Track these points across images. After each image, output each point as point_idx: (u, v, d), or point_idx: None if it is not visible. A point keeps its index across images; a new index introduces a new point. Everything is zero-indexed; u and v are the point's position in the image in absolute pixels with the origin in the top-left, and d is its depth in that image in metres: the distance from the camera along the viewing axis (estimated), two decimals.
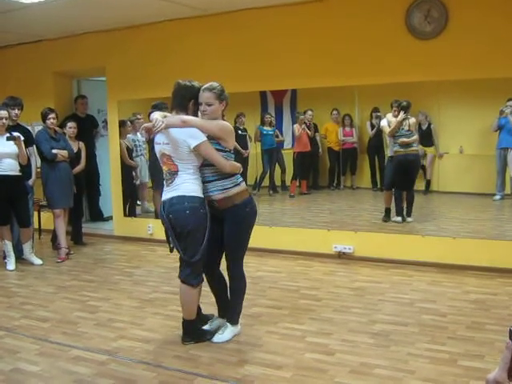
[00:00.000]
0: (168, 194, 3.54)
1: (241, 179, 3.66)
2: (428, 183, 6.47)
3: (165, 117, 3.51)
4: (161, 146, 3.54)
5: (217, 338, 3.72)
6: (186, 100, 3.55)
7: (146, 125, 3.56)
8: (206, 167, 3.55)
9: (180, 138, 3.43)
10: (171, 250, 3.69)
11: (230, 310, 3.83)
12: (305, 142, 7.02)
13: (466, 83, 5.43)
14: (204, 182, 3.57)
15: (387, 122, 6.10)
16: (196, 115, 3.57)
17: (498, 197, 5.97)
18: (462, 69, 5.13)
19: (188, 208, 3.44)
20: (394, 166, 6.11)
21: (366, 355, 3.42)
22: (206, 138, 3.44)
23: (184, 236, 3.51)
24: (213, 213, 3.60)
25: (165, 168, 3.56)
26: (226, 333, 3.74)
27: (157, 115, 3.47)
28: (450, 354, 3.39)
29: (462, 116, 6.07)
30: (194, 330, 3.72)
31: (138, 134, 7.39)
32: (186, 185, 3.47)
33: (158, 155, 3.62)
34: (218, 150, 3.50)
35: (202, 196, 3.52)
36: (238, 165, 3.64)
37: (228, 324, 3.79)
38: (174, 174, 3.50)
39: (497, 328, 3.76)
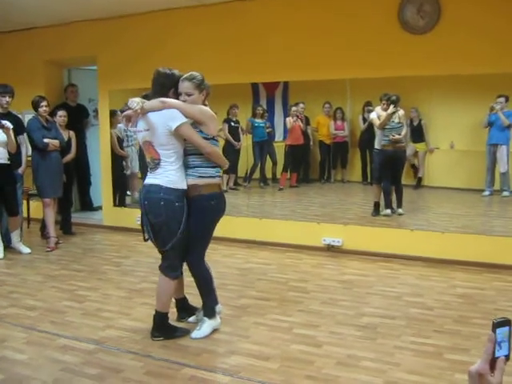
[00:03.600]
0: (149, 179, 3.49)
1: (218, 173, 3.59)
2: (419, 180, 6.51)
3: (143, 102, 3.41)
4: (142, 133, 3.47)
5: (195, 333, 3.63)
6: (165, 88, 3.46)
7: (125, 112, 3.46)
8: (191, 156, 3.48)
9: (160, 121, 3.36)
10: (145, 240, 3.61)
11: (202, 303, 3.75)
12: (297, 135, 7.00)
13: (457, 78, 5.44)
14: (186, 167, 3.49)
15: (376, 114, 6.12)
16: None
17: (487, 193, 6.00)
18: (454, 64, 5.14)
19: (162, 199, 3.39)
20: (382, 161, 6.14)
21: (353, 347, 3.44)
22: (186, 119, 3.36)
23: (157, 225, 3.45)
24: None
25: (148, 155, 3.50)
26: (204, 327, 3.65)
27: (135, 100, 3.38)
28: (435, 347, 3.42)
29: (453, 111, 6.09)
30: (165, 325, 3.64)
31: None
32: (166, 175, 3.41)
33: (141, 143, 3.56)
34: None
35: (182, 188, 3.44)
36: (218, 152, 3.57)
37: (205, 318, 3.69)
38: (157, 162, 3.43)
39: (483, 322, 3.79)
